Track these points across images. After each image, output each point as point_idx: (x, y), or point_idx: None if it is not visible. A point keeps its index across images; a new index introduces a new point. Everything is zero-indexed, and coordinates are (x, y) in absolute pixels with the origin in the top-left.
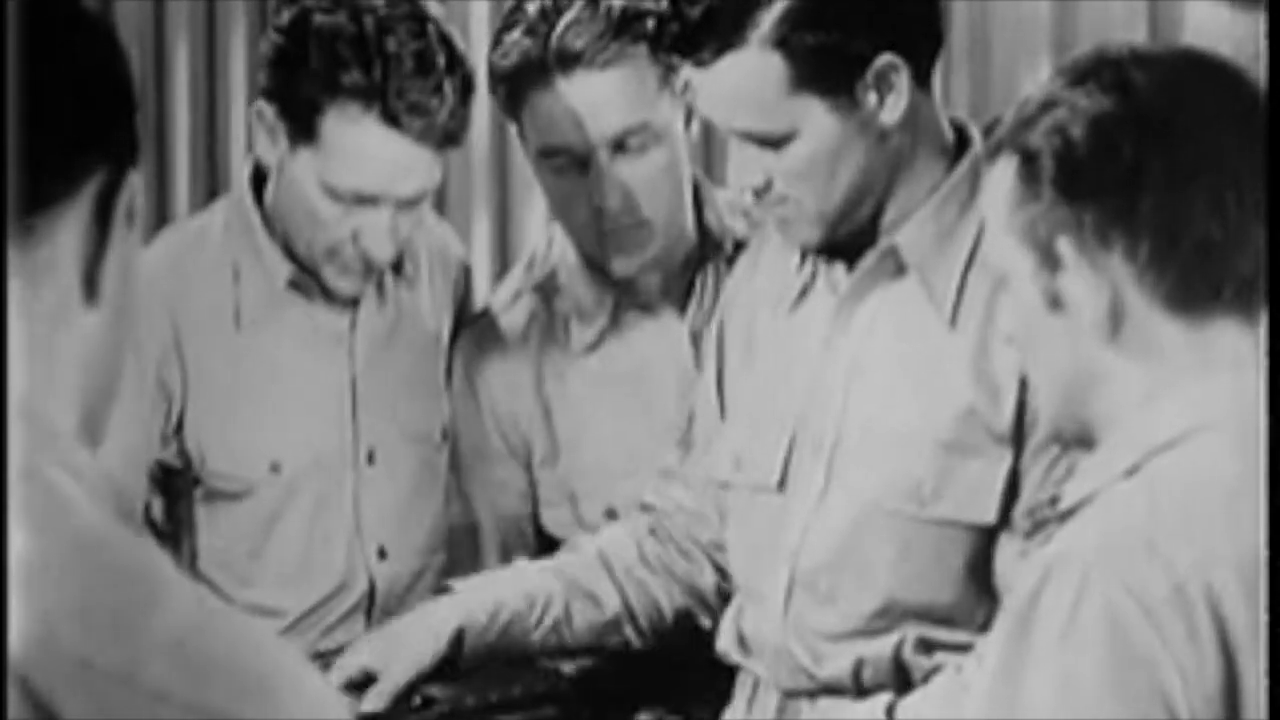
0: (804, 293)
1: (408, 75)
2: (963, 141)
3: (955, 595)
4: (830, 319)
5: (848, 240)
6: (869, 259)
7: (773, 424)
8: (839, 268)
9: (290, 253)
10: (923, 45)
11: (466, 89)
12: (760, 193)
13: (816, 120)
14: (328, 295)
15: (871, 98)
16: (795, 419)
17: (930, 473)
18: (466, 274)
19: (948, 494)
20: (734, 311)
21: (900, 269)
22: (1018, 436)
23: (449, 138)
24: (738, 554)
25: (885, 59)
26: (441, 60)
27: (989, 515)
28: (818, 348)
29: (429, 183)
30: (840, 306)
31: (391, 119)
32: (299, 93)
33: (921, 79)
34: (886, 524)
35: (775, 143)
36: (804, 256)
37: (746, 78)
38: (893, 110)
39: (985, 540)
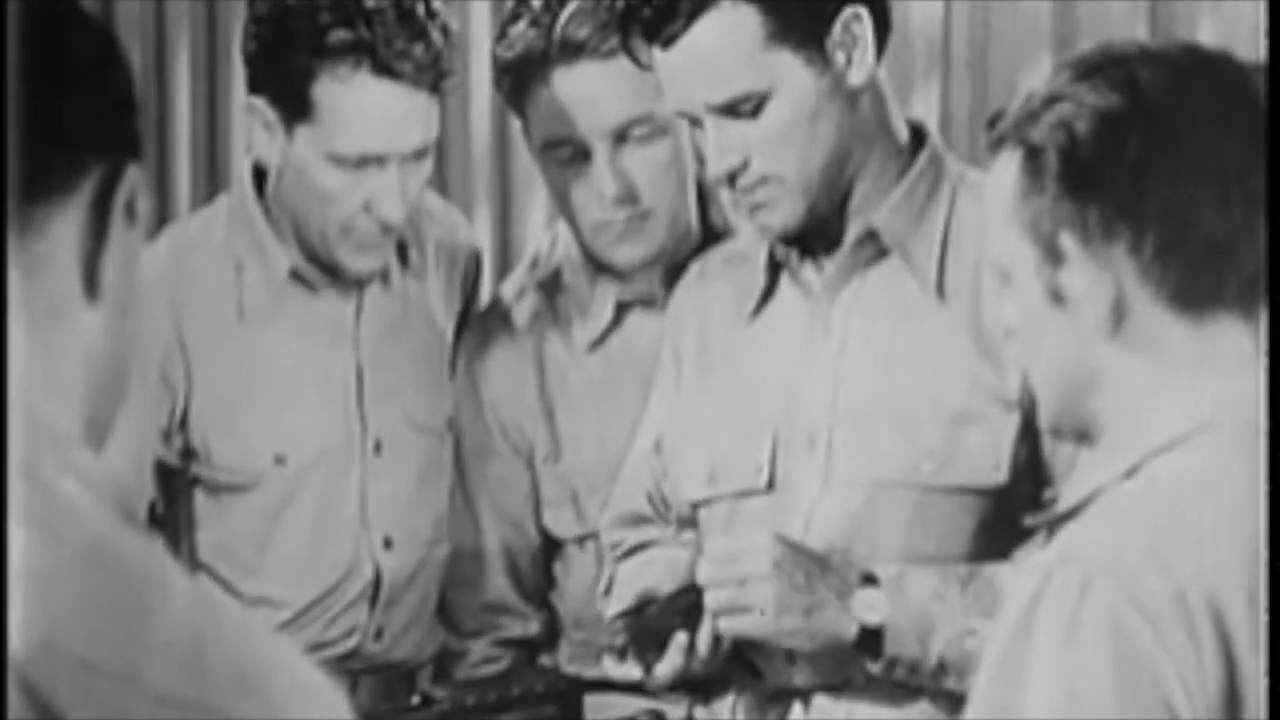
0: (764, 299)
1: (391, 24)
2: (919, 138)
3: (964, 557)
4: (806, 317)
5: (818, 227)
6: (846, 246)
7: (747, 429)
8: (808, 267)
9: (304, 245)
10: (877, 16)
11: (447, 33)
12: (737, 174)
13: (792, 75)
14: (332, 286)
15: (840, 56)
16: (775, 419)
17: (938, 443)
18: (476, 262)
19: (956, 461)
20: (680, 329)
21: (880, 253)
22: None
23: (440, 77)
24: None
25: (850, 9)
26: (420, 8)
27: (1000, 477)
28: (795, 346)
29: (430, 133)
30: (819, 300)
31: (383, 69)
32: (288, 70)
33: (878, 63)
34: (896, 498)
35: (754, 108)
36: (771, 259)
37: (722, 36)
38: (860, 67)
39: (996, 501)
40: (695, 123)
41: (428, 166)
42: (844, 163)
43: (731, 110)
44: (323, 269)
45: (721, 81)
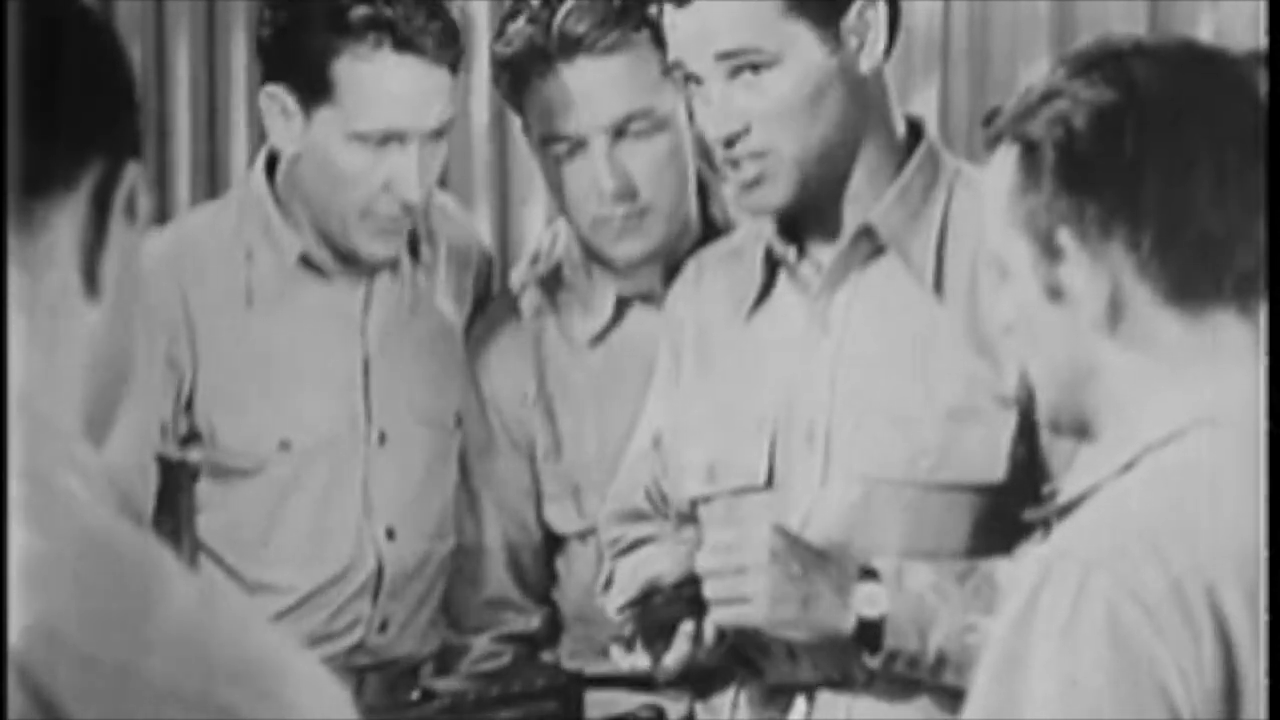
0: (762, 297)
1: (410, 1)
2: (915, 134)
3: (962, 553)
4: (805, 313)
5: (810, 215)
6: (842, 243)
7: (746, 426)
8: (806, 264)
9: (321, 231)
10: (891, 11)
11: (461, 14)
12: (735, 140)
13: (803, 48)
14: (343, 274)
15: (853, 41)
16: (774, 416)
17: (935, 441)
18: (489, 264)
19: (954, 459)
20: (678, 326)
21: (877, 250)
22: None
23: (458, 57)
24: None
25: None
26: None
27: (998, 474)
28: (793, 342)
29: (448, 112)
30: (817, 297)
31: (404, 44)
32: (308, 52)
33: (886, 59)
34: (893, 495)
35: (756, 68)
36: (768, 255)
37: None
38: (870, 55)
39: (994, 498)
40: (696, 81)
41: (444, 148)
42: (843, 148)
43: (735, 65)
44: (339, 256)
45: (733, 34)
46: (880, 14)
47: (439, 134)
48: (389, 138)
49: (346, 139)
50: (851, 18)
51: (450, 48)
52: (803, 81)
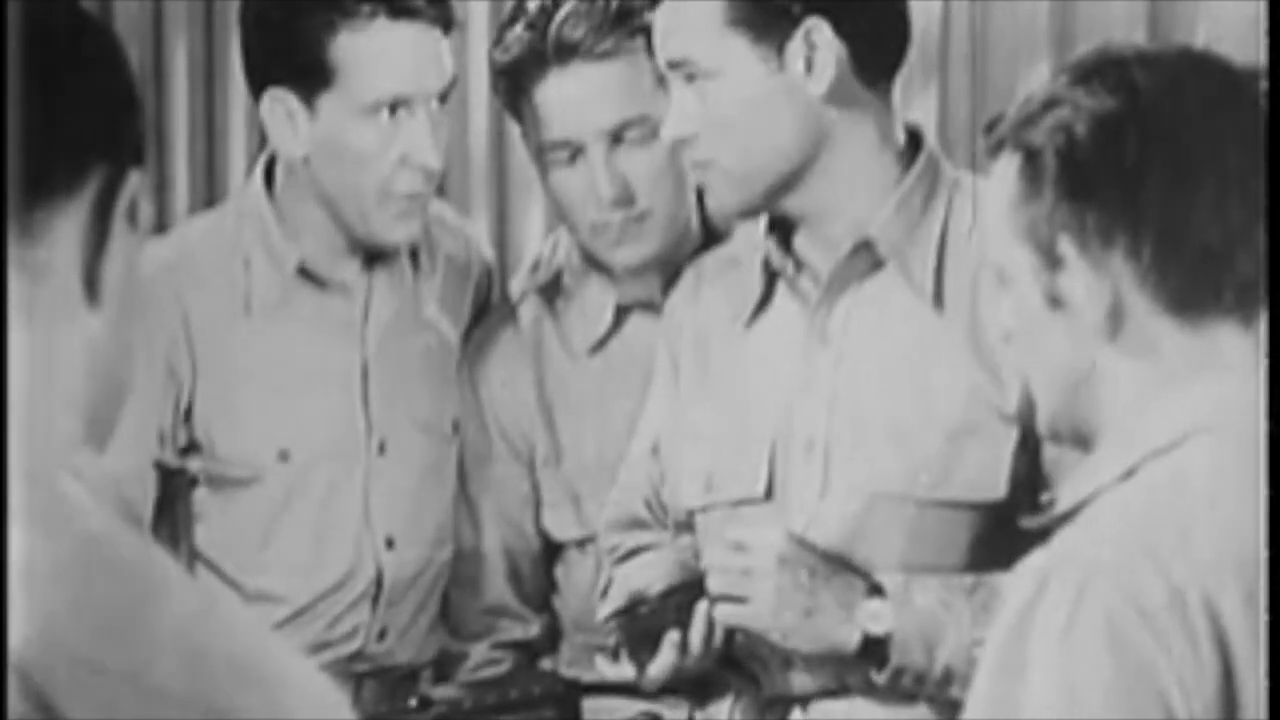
0: (761, 306)
1: None
2: (915, 143)
3: (961, 568)
4: (805, 325)
5: (804, 225)
6: (841, 255)
7: (745, 437)
8: (805, 276)
9: (341, 225)
10: (876, 38)
11: None
12: (684, 143)
13: (743, 64)
14: (341, 282)
15: (800, 65)
16: (773, 427)
17: (936, 456)
18: (489, 276)
19: (955, 475)
20: (676, 332)
21: (876, 264)
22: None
23: (451, 17)
24: None
25: (813, 20)
26: None
27: (999, 491)
28: (792, 353)
29: (449, 72)
30: (816, 309)
31: (399, 11)
32: (304, 41)
33: (876, 76)
34: (892, 510)
35: (702, 78)
36: (766, 265)
37: (686, 4)
38: (820, 79)
39: (993, 515)
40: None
41: (448, 114)
42: (792, 158)
43: (685, 73)
44: (355, 253)
45: (679, 41)
46: (826, 37)
47: (443, 96)
48: (396, 105)
49: (355, 117)
50: (798, 40)
51: (442, 7)
52: (743, 97)
